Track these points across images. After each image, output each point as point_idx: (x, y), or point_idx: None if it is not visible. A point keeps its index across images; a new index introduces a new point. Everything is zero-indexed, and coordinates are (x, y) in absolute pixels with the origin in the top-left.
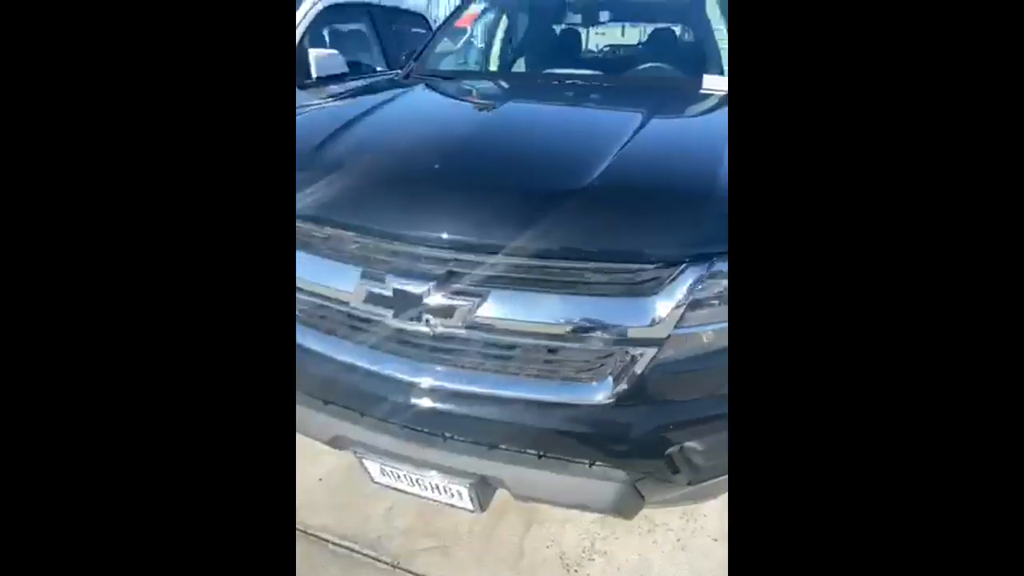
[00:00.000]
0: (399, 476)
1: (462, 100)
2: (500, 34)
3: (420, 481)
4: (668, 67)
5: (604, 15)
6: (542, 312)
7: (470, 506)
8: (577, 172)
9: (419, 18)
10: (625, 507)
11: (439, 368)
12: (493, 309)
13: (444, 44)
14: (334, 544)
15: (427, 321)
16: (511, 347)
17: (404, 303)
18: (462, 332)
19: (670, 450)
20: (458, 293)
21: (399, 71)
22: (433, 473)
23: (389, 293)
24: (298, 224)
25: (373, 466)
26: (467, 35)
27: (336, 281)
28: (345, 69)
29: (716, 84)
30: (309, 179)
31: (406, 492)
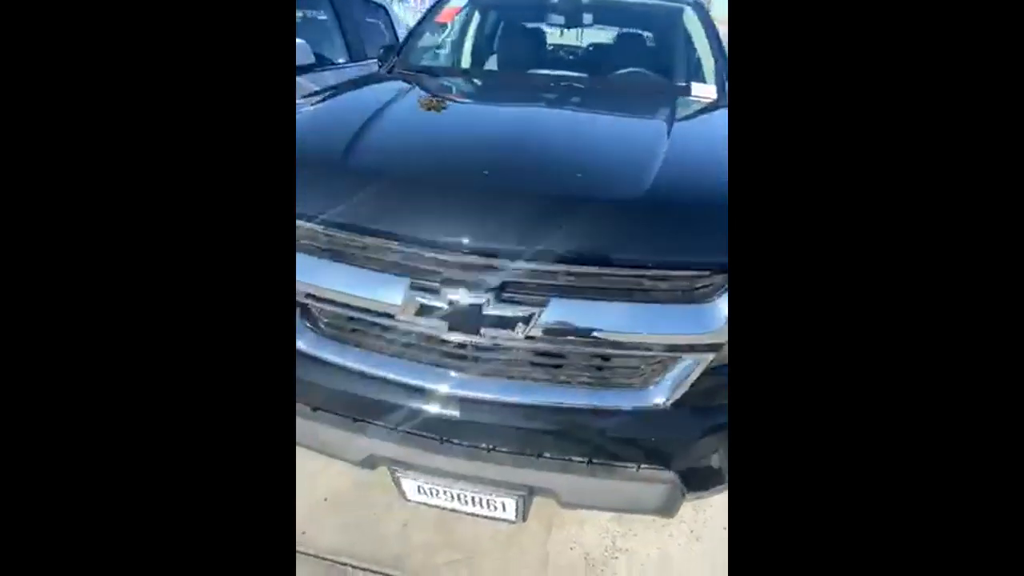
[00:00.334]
0: (438, 492)
1: (475, 101)
2: (481, 31)
3: (462, 496)
4: (660, 74)
5: (588, 18)
6: (601, 320)
7: (513, 517)
8: (630, 179)
9: (377, 8)
10: (670, 506)
11: (491, 380)
12: (553, 318)
13: (427, 39)
14: (353, 567)
15: (483, 332)
16: (568, 355)
17: (461, 315)
18: (520, 342)
19: (718, 450)
20: (518, 303)
21: (368, 63)
22: (480, 487)
23: (444, 305)
24: (334, 233)
25: (410, 484)
26: (450, 30)
27: (380, 294)
28: (312, 60)
29: (705, 91)
30: (345, 186)
31: (443, 508)
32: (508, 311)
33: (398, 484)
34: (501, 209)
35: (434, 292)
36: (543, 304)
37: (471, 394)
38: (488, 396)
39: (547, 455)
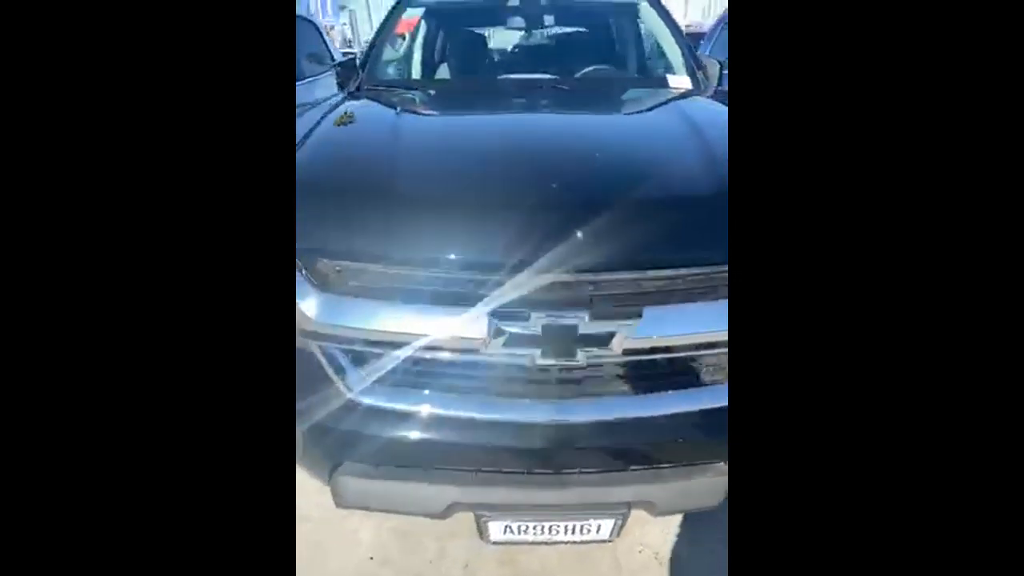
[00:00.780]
0: (527, 528)
1: (484, 112)
2: (440, 40)
3: (553, 527)
4: (640, 69)
5: (549, 19)
6: (694, 321)
7: (607, 536)
8: (697, 174)
9: (306, 24)
10: None
11: (582, 401)
12: (649, 326)
13: (389, 52)
14: None
15: (579, 353)
16: (660, 363)
17: (556, 339)
18: (615, 357)
19: None
20: (613, 317)
21: (312, 80)
22: (575, 514)
23: (537, 331)
24: (400, 271)
25: (496, 526)
26: (408, 42)
27: (460, 328)
28: None
29: (681, 82)
30: (404, 220)
31: (531, 543)
32: (604, 327)
33: (484, 529)
34: (582, 221)
35: (522, 319)
36: (637, 314)
37: (562, 419)
38: (581, 418)
39: (642, 467)
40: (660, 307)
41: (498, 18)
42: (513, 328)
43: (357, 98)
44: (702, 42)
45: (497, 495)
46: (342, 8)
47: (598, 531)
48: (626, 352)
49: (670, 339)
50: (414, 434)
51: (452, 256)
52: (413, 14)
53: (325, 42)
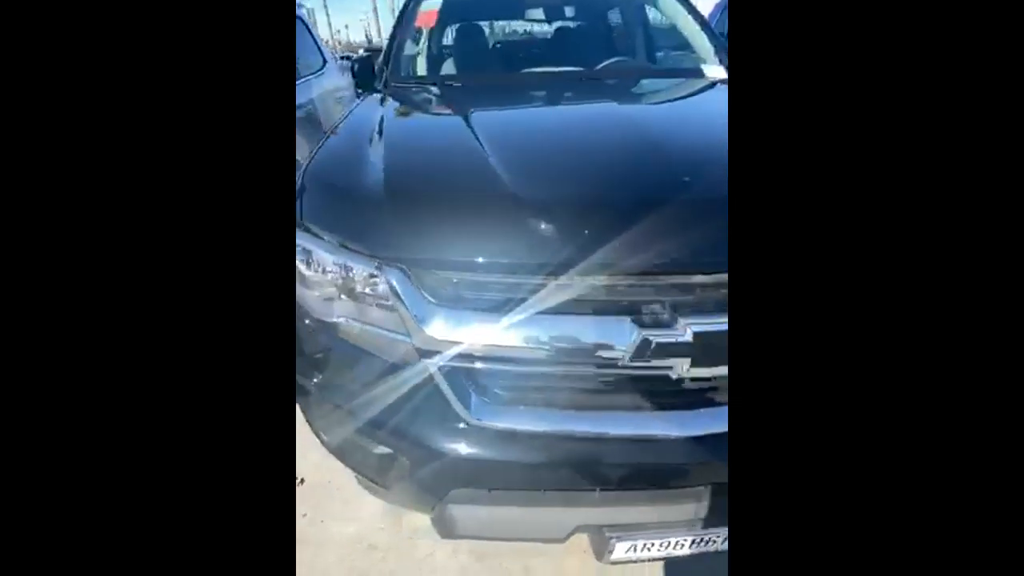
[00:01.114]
0: (651, 545)
1: (557, 104)
2: (460, 35)
3: (679, 543)
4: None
5: (569, 10)
6: None
7: (725, 547)
8: None
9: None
10: None
11: (714, 411)
12: None
13: (410, 48)
14: None
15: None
16: None
17: (710, 346)
18: None
19: None
20: None
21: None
22: (704, 527)
23: (687, 338)
24: (527, 281)
25: (623, 546)
26: (427, 37)
27: (598, 340)
28: None
29: (717, 72)
30: (535, 223)
31: (652, 560)
32: None
33: (608, 548)
34: (719, 216)
35: (669, 327)
36: None
37: (695, 432)
38: (714, 430)
39: None
40: None
41: (518, 10)
42: (660, 337)
43: (390, 98)
44: None
45: (628, 514)
46: (300, 7)
47: (723, 542)
48: None
49: None
50: (534, 455)
51: (586, 262)
52: (430, 7)
53: (315, 40)
